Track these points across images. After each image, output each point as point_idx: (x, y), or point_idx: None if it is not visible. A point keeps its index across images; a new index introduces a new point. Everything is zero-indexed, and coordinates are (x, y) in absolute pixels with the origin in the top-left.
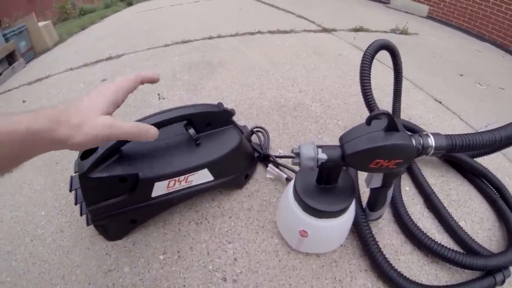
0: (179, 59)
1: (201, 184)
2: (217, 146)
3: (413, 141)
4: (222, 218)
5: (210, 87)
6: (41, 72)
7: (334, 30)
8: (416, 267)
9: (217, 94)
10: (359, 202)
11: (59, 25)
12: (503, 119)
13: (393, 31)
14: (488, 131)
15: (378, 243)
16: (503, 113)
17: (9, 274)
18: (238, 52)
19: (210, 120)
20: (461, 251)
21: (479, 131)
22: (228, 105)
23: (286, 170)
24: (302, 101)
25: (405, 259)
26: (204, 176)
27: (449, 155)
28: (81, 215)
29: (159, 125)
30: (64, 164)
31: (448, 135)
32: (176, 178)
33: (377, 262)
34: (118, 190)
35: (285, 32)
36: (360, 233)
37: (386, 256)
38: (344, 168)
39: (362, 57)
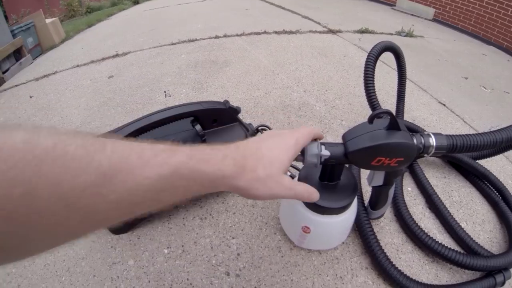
0: (186, 58)
1: None
2: (222, 143)
3: (414, 140)
4: (226, 213)
5: (215, 85)
6: (48, 68)
7: (339, 31)
8: (416, 266)
9: (222, 93)
10: (361, 200)
11: (66, 22)
12: (507, 122)
13: (399, 33)
14: (489, 132)
15: (379, 241)
16: (507, 117)
17: (15, 265)
18: (244, 51)
19: (216, 117)
20: (462, 251)
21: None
22: (233, 104)
23: (289, 167)
24: (307, 101)
25: (406, 258)
26: None
27: (452, 157)
28: None
29: (166, 120)
30: None
31: (449, 135)
32: None
33: (378, 260)
34: None
35: (290, 32)
36: (362, 231)
37: (387, 254)
38: (347, 166)
39: (367, 58)
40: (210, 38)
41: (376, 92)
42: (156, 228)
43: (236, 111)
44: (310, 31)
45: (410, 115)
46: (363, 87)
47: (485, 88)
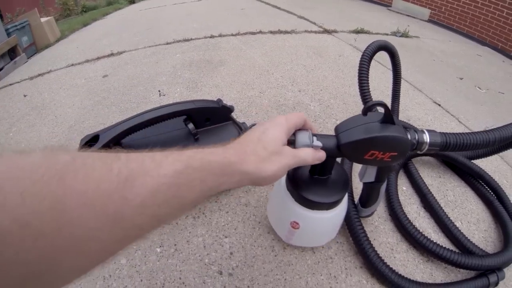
0: (180, 57)
1: None
2: (215, 141)
3: (408, 135)
4: (219, 212)
5: (210, 85)
6: (43, 67)
7: (335, 31)
8: (411, 266)
9: (217, 92)
10: (351, 198)
11: (61, 21)
12: (501, 122)
13: (394, 33)
14: (483, 131)
15: (370, 239)
16: (501, 117)
17: None
18: (239, 51)
19: (209, 115)
20: (456, 250)
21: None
22: (227, 103)
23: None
24: (302, 100)
25: (400, 257)
26: None
27: (448, 156)
28: None
29: (159, 119)
30: None
31: (443, 132)
32: None
33: (368, 258)
34: None
35: (286, 32)
36: (352, 229)
37: (382, 253)
38: (339, 161)
39: (361, 56)
40: (205, 38)
41: (371, 92)
42: None
43: (229, 110)
44: (306, 31)
45: (405, 114)
46: (357, 84)
47: (480, 88)
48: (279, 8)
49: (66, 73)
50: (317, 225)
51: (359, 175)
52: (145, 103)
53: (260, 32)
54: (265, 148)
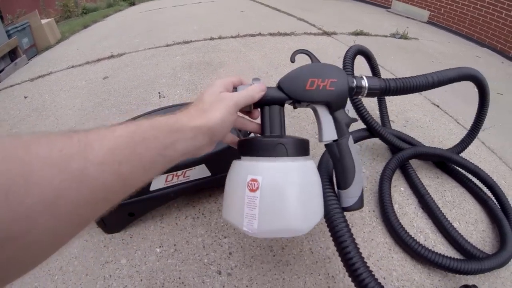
0: (180, 59)
1: (198, 179)
2: None
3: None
4: (219, 213)
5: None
6: (43, 69)
7: (334, 33)
8: (409, 265)
9: None
10: (332, 190)
11: (61, 23)
12: (500, 123)
13: (393, 35)
14: (422, 75)
15: (353, 235)
16: (500, 118)
17: None
18: (239, 53)
19: None
20: (450, 255)
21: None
22: None
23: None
24: None
25: (398, 257)
26: (201, 172)
27: (443, 156)
28: None
29: None
30: None
31: (384, 78)
32: (174, 173)
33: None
34: None
35: (285, 34)
36: (331, 224)
37: (379, 253)
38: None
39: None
40: (205, 40)
41: (362, 99)
42: (149, 227)
43: None
44: (305, 33)
45: (404, 115)
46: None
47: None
48: (278, 10)
49: (66, 74)
50: (283, 181)
51: (318, 137)
52: (145, 105)
53: (260, 34)
54: (205, 102)
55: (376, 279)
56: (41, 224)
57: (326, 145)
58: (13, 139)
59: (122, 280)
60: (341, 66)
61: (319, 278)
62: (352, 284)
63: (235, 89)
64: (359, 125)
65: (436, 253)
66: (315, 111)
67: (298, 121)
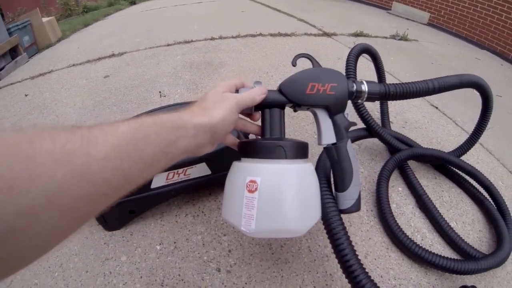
0: (181, 59)
1: (199, 177)
2: None
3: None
4: (218, 211)
5: (210, 86)
6: (44, 67)
7: (334, 34)
8: (406, 264)
9: None
10: (330, 192)
11: (62, 22)
12: (498, 125)
13: (393, 37)
14: (423, 80)
15: (348, 234)
16: (499, 120)
17: None
18: (239, 53)
19: None
20: (447, 255)
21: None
22: None
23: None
24: None
25: (395, 256)
26: (202, 170)
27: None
28: None
29: None
30: None
31: (384, 83)
32: (175, 171)
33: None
34: None
35: (286, 35)
36: (328, 226)
37: (377, 252)
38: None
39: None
40: (205, 40)
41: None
42: (149, 225)
43: None
44: (305, 34)
45: (403, 117)
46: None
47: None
48: (279, 10)
49: (67, 73)
50: (280, 181)
51: (318, 140)
52: (146, 104)
53: (260, 34)
54: (208, 100)
55: (372, 280)
56: (43, 217)
57: (324, 148)
58: (17, 134)
59: (122, 277)
60: (341, 67)
61: (317, 276)
62: (349, 284)
63: (237, 91)
64: (358, 125)
65: (433, 253)
66: (315, 115)
67: (297, 121)
